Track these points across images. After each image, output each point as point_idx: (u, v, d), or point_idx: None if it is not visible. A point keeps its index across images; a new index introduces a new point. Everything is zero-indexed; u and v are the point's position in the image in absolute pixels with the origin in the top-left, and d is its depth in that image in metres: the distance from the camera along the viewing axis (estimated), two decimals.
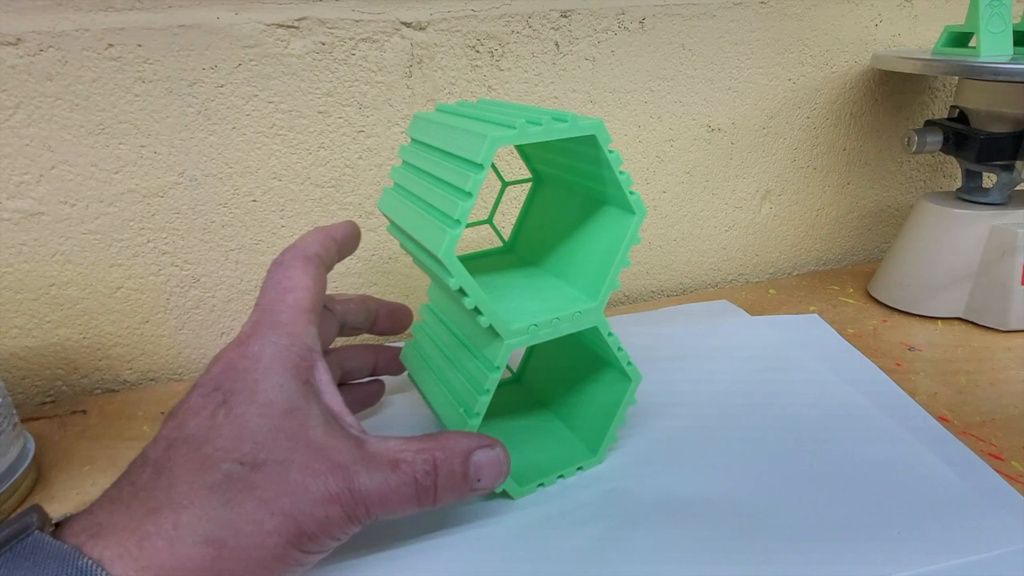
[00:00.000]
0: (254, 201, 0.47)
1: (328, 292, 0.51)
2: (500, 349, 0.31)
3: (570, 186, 0.37)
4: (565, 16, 0.48)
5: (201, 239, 0.47)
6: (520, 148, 0.40)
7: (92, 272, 0.46)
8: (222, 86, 0.44)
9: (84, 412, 0.45)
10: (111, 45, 0.41)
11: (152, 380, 0.50)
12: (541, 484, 0.36)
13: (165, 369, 0.50)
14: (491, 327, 0.31)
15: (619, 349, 0.35)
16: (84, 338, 0.47)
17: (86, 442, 0.42)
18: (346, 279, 0.51)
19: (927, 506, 0.33)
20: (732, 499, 0.34)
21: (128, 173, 0.44)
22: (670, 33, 0.51)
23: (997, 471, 0.35)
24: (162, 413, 0.45)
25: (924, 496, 0.34)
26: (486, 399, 0.32)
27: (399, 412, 0.43)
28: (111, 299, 0.47)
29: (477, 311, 0.30)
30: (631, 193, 0.32)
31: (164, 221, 0.46)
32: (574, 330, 0.33)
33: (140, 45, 0.41)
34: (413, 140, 0.35)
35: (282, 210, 0.48)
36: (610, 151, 0.31)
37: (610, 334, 0.35)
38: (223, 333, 0.50)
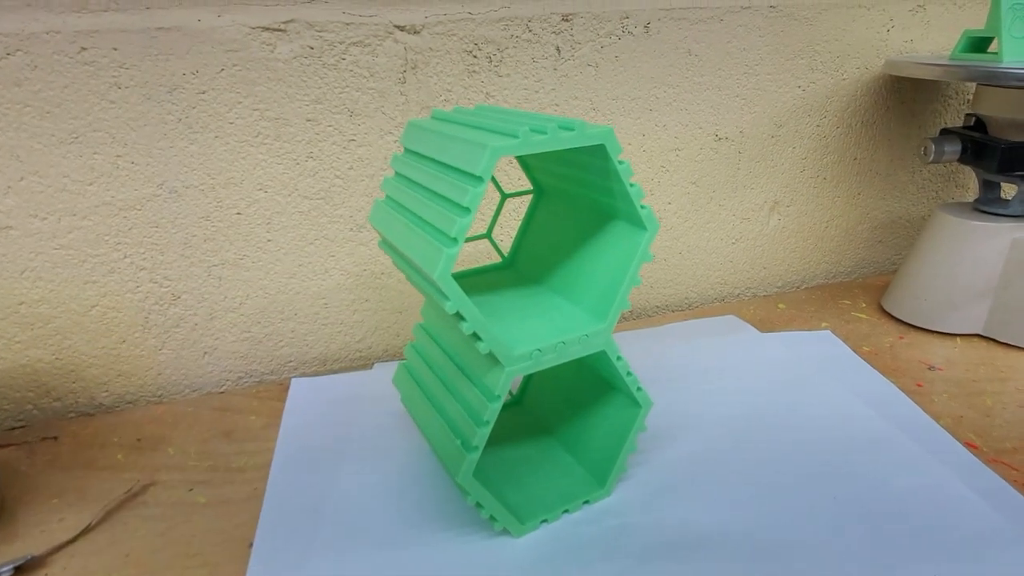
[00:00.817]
0: (238, 214, 0.45)
1: (318, 311, 0.49)
2: (501, 377, 0.29)
3: (575, 199, 0.35)
4: (567, 20, 0.46)
5: (181, 254, 0.44)
6: (521, 158, 0.37)
7: (64, 289, 0.43)
8: (204, 92, 0.41)
9: (55, 439, 0.43)
10: (84, 48, 0.38)
11: (130, 403, 0.47)
12: (545, 520, 0.33)
13: (144, 391, 0.47)
14: (491, 353, 0.28)
15: (628, 374, 0.33)
16: (56, 359, 0.44)
17: (56, 472, 0.39)
18: (336, 295, 0.49)
19: (962, 542, 0.31)
20: (752, 535, 0.32)
21: (103, 184, 0.41)
22: (676, 38, 0.49)
23: None
24: (139, 440, 0.42)
25: (958, 531, 0.31)
26: (485, 431, 0.29)
27: (394, 445, 0.41)
28: (85, 318, 0.44)
29: (476, 336, 0.28)
30: (642, 207, 0.30)
31: (142, 235, 0.43)
32: (581, 355, 0.31)
33: (115, 49, 0.39)
34: (407, 150, 0.33)
35: (268, 223, 0.45)
36: (620, 162, 0.28)
37: (619, 358, 0.32)
38: (206, 352, 0.47)
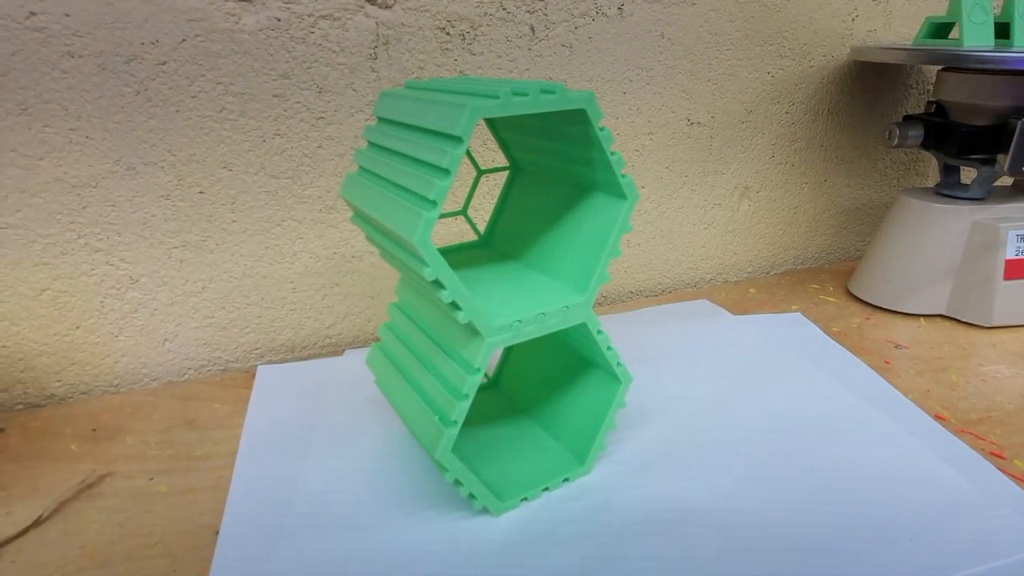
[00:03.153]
0: (201, 193, 0.43)
1: (286, 296, 0.47)
2: (480, 349, 0.28)
3: (552, 173, 0.34)
4: None
5: (140, 235, 0.42)
6: (497, 133, 0.37)
7: (12, 272, 0.40)
8: (163, 64, 0.39)
9: (2, 430, 0.40)
10: (33, 14, 0.36)
11: (84, 393, 0.45)
12: (524, 499, 0.33)
13: (99, 380, 0.45)
14: (470, 324, 0.28)
15: (608, 348, 0.32)
16: (3, 347, 0.42)
17: (3, 464, 0.37)
18: (305, 279, 0.47)
19: (936, 510, 0.31)
20: (731, 509, 0.31)
21: (55, 160, 0.39)
22: (649, 21, 0.49)
23: (1001, 470, 0.34)
24: (94, 430, 0.40)
25: (932, 500, 0.32)
26: (464, 405, 0.28)
27: (366, 431, 0.39)
28: (35, 302, 0.42)
29: (455, 306, 0.27)
30: (623, 176, 0.29)
31: (97, 214, 0.41)
32: (562, 327, 0.30)
33: (68, 15, 0.37)
34: (380, 119, 0.32)
35: (233, 203, 0.44)
36: (600, 129, 0.28)
37: (599, 331, 0.32)
38: (166, 339, 0.45)
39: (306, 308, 0.48)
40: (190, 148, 0.41)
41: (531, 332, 0.29)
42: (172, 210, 0.42)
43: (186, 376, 0.47)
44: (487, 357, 0.28)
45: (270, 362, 0.48)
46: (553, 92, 0.26)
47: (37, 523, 0.32)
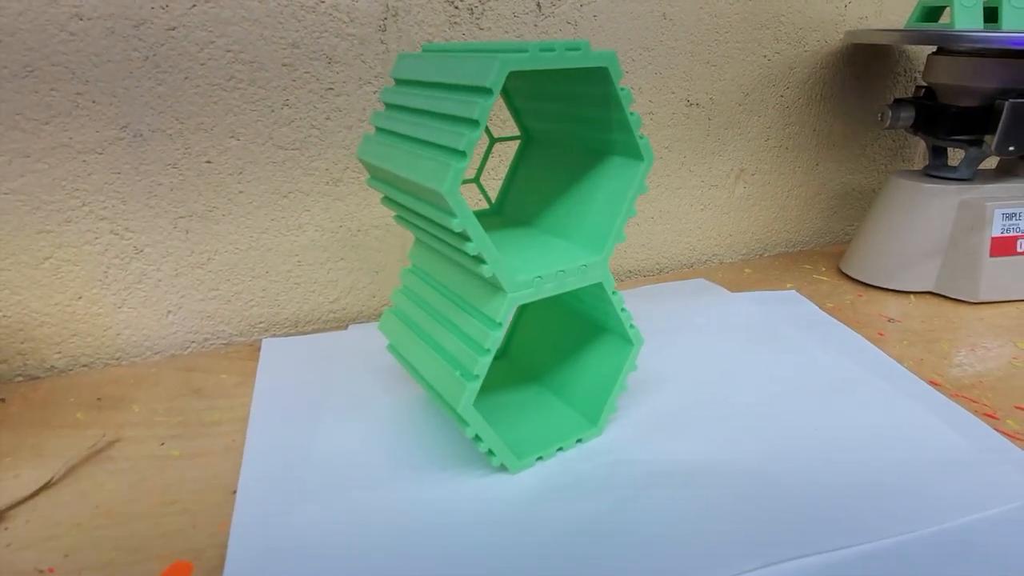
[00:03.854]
0: (208, 162, 0.43)
1: (291, 269, 0.47)
2: (503, 303, 0.28)
3: (565, 141, 0.35)
4: None
5: (146, 204, 0.42)
6: (511, 102, 0.37)
7: (14, 239, 0.40)
8: (173, 29, 0.39)
9: (2, 400, 0.39)
10: None
11: (85, 365, 0.44)
12: (540, 458, 0.33)
13: (101, 353, 0.44)
14: (494, 278, 0.28)
15: (623, 309, 0.33)
16: (3, 316, 0.41)
17: (5, 432, 0.36)
18: (310, 253, 0.47)
19: (937, 464, 0.32)
20: (742, 465, 0.32)
21: (60, 124, 0.39)
22: (652, 1, 0.50)
23: (995, 429, 0.35)
24: (99, 399, 0.39)
25: (932, 455, 0.33)
26: (487, 359, 0.29)
27: (377, 398, 0.40)
28: (37, 271, 0.41)
29: (479, 260, 0.27)
30: (640, 137, 0.30)
31: (102, 182, 0.41)
32: (580, 284, 0.31)
33: None
34: (399, 81, 0.32)
35: (240, 173, 0.43)
36: (621, 88, 0.28)
37: (615, 292, 0.32)
38: (169, 311, 0.45)
39: (311, 282, 0.48)
40: (198, 116, 0.41)
41: (551, 289, 0.30)
42: (179, 179, 0.42)
43: (189, 349, 0.46)
44: (510, 311, 0.29)
45: (273, 335, 0.48)
46: (578, 49, 0.27)
47: (48, 485, 0.32)
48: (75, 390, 0.41)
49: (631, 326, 0.34)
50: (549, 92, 0.33)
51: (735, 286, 0.55)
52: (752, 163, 0.59)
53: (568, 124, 0.34)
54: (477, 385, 0.29)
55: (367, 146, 0.32)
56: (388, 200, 0.33)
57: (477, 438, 0.30)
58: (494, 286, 0.29)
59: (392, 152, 0.30)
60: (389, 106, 0.32)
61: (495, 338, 0.29)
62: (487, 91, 0.25)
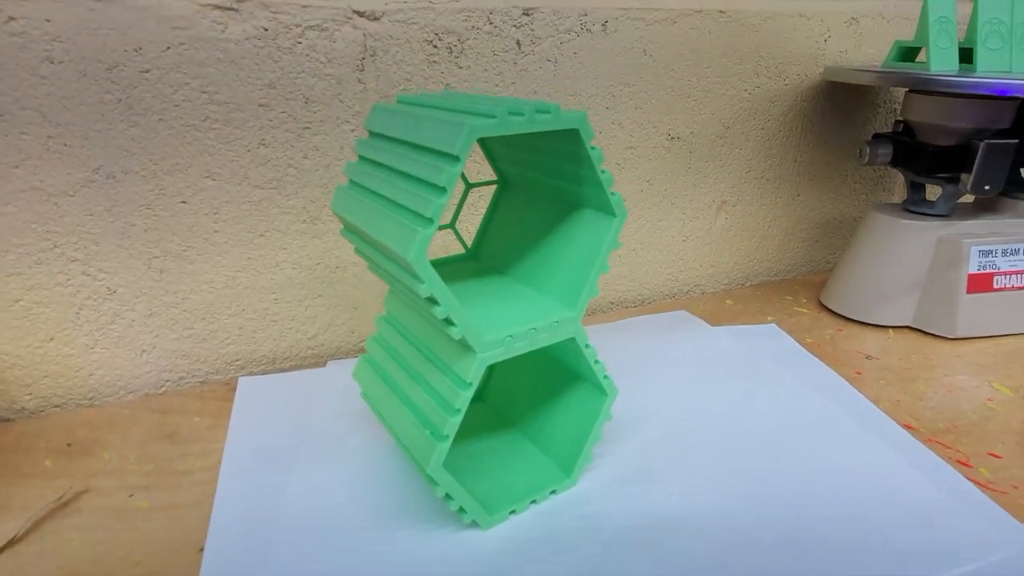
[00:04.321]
0: (183, 203, 0.42)
1: (268, 307, 0.46)
2: (473, 364, 0.28)
3: (540, 188, 0.35)
4: (527, 14, 0.46)
5: (119, 244, 0.42)
6: (486, 147, 0.37)
7: None
8: (147, 71, 0.39)
9: None
10: (12, 18, 0.35)
11: (56, 406, 0.43)
12: (513, 511, 0.33)
13: (73, 393, 0.44)
14: (463, 339, 0.28)
15: (596, 362, 0.33)
16: None
17: None
18: (288, 290, 0.47)
19: (908, 516, 0.32)
20: (715, 518, 0.32)
21: (31, 168, 0.38)
22: (632, 38, 0.50)
23: (968, 478, 0.35)
24: (69, 445, 0.39)
25: (904, 506, 0.33)
26: (457, 419, 0.29)
27: (352, 443, 0.39)
28: (7, 313, 0.40)
29: (448, 322, 0.27)
30: (612, 194, 0.30)
31: (75, 224, 0.40)
32: (552, 342, 0.31)
33: (48, 20, 0.36)
34: (372, 133, 0.32)
35: (216, 212, 0.43)
36: (592, 148, 0.28)
37: (587, 345, 0.32)
38: (143, 351, 0.44)
39: (288, 319, 0.48)
40: (173, 157, 0.41)
41: (522, 347, 0.30)
42: (153, 220, 0.42)
43: (164, 388, 0.46)
44: (480, 372, 0.28)
45: (250, 373, 0.48)
46: (548, 112, 0.27)
47: (12, 543, 0.31)
48: (46, 433, 0.40)
49: (605, 377, 0.34)
50: (524, 143, 0.33)
51: (716, 318, 0.55)
52: (734, 194, 0.60)
53: (543, 174, 0.34)
54: (447, 445, 0.29)
55: (340, 198, 0.32)
56: (361, 252, 0.33)
57: (448, 496, 0.30)
58: (464, 345, 0.29)
59: (363, 209, 0.29)
60: (362, 158, 0.32)
61: (465, 398, 0.28)
62: (454, 158, 0.25)
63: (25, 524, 0.32)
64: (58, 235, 0.40)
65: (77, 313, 0.42)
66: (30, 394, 0.43)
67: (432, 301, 0.26)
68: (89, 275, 0.41)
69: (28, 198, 0.39)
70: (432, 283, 0.26)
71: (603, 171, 0.29)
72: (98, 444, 0.39)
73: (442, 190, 0.25)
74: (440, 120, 0.26)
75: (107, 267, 0.42)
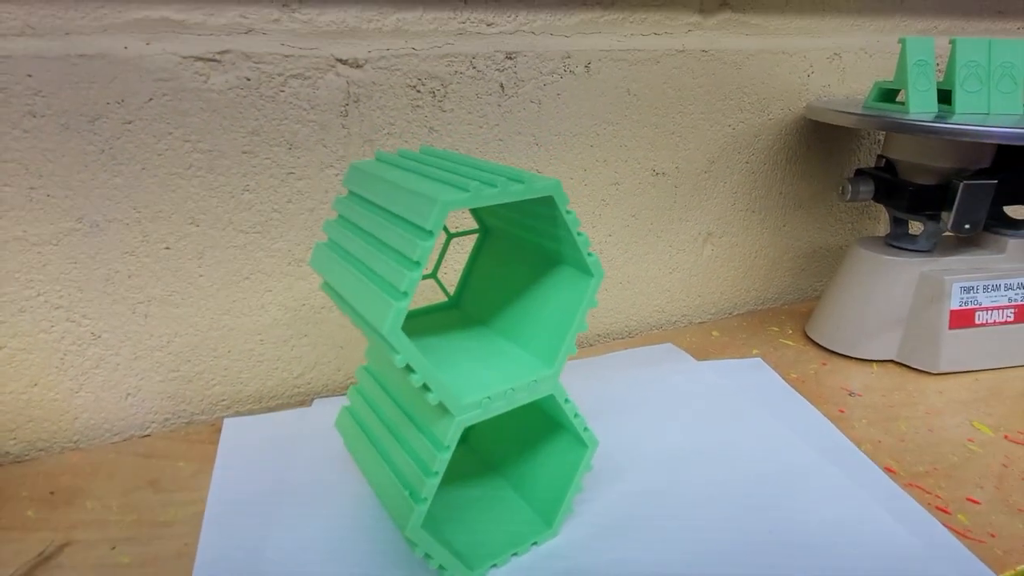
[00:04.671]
0: (167, 248, 0.42)
1: (254, 348, 0.46)
2: (451, 427, 0.28)
3: (521, 241, 0.35)
4: (510, 58, 0.47)
5: (103, 291, 0.42)
6: None
7: None
8: (130, 122, 0.39)
9: None
10: None
11: (42, 451, 0.43)
12: (494, 564, 0.33)
13: (58, 438, 0.44)
14: (440, 405, 0.28)
15: (576, 416, 0.33)
16: None
17: None
18: (273, 331, 0.47)
19: (887, 568, 0.33)
20: (694, 571, 0.32)
21: (14, 219, 0.38)
22: (616, 78, 0.50)
23: (946, 526, 0.36)
24: (52, 493, 0.39)
25: (883, 557, 0.33)
26: (434, 482, 0.29)
27: (335, 490, 0.39)
28: None
29: (425, 387, 0.27)
30: (589, 255, 0.30)
31: (58, 272, 0.40)
32: (530, 400, 0.31)
33: (30, 75, 0.36)
34: (351, 193, 0.32)
35: (200, 257, 0.43)
36: (568, 211, 0.29)
37: (567, 400, 0.33)
38: (128, 394, 0.44)
39: (274, 359, 0.48)
40: (156, 205, 0.41)
41: (500, 408, 0.30)
42: (137, 266, 0.42)
43: (149, 430, 0.46)
44: (457, 435, 0.29)
45: (237, 413, 0.48)
46: (521, 182, 0.27)
47: None
48: (29, 481, 0.40)
49: (585, 430, 0.34)
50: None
51: (702, 351, 0.56)
52: (719, 226, 0.60)
53: (522, 230, 0.34)
54: (425, 507, 0.29)
55: (319, 256, 0.32)
56: (339, 307, 0.33)
57: (427, 556, 0.30)
58: (441, 408, 0.29)
59: (341, 272, 0.30)
60: (341, 217, 0.32)
61: (443, 460, 0.29)
62: (428, 232, 0.25)
63: None
64: (41, 283, 0.40)
65: (61, 359, 0.42)
66: (14, 439, 0.43)
67: (408, 369, 0.27)
68: (73, 321, 0.42)
69: (11, 248, 0.39)
70: (408, 353, 0.26)
71: (579, 234, 0.29)
72: (81, 493, 0.39)
73: (416, 264, 0.25)
74: (414, 192, 0.26)
75: (91, 313, 0.42)
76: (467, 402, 0.29)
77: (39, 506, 0.38)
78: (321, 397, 0.49)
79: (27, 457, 0.43)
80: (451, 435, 0.28)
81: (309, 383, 0.50)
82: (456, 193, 0.25)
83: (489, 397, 0.29)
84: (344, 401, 0.47)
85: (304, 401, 0.49)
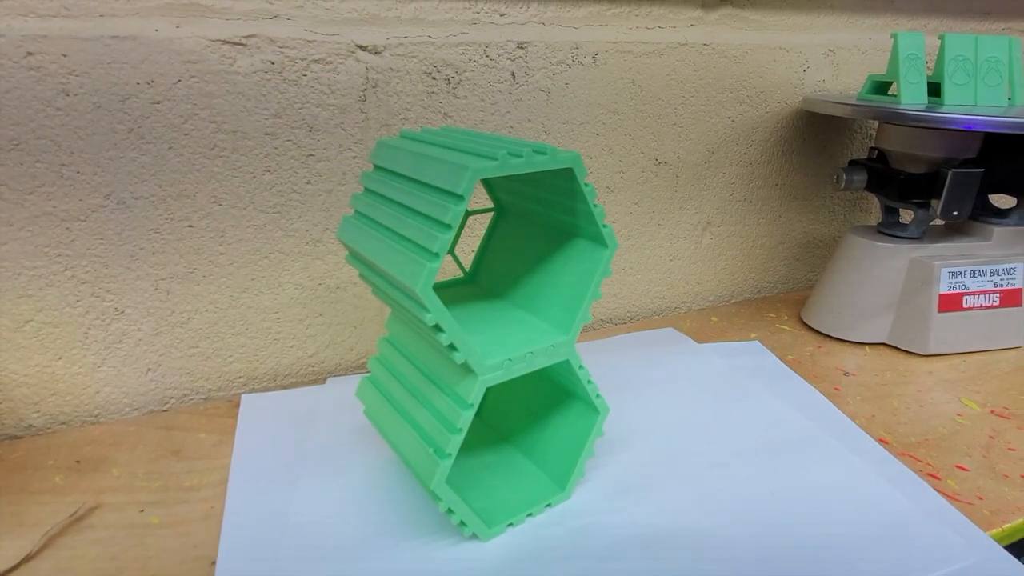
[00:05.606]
0: (190, 227, 0.44)
1: (271, 326, 0.48)
2: (474, 386, 0.30)
3: (536, 217, 0.37)
4: (522, 47, 0.48)
5: (127, 267, 0.43)
6: (485, 179, 0.39)
7: None
8: (158, 103, 0.40)
9: None
10: (30, 53, 0.37)
11: (64, 424, 0.45)
12: (510, 524, 0.35)
13: (80, 411, 0.45)
14: (465, 363, 0.30)
15: (589, 382, 0.35)
16: None
17: None
18: (290, 309, 0.48)
19: (882, 527, 0.35)
20: (702, 530, 0.34)
21: (44, 194, 0.40)
22: (621, 69, 0.52)
23: (937, 490, 0.38)
24: (78, 462, 0.40)
25: (878, 518, 0.35)
26: (459, 438, 0.30)
27: (354, 458, 0.41)
28: (17, 334, 0.42)
29: (452, 347, 0.29)
30: (604, 227, 0.32)
31: (85, 247, 0.42)
32: (548, 364, 0.33)
33: (65, 55, 0.38)
34: (377, 167, 0.34)
35: (222, 236, 0.45)
36: (586, 184, 0.31)
37: (581, 367, 0.34)
38: (149, 369, 0.46)
39: (290, 337, 0.49)
40: (181, 183, 0.42)
41: (520, 369, 0.32)
42: (161, 243, 0.43)
43: (168, 406, 0.47)
44: (481, 393, 0.30)
45: (252, 390, 0.49)
46: (545, 153, 0.29)
47: (27, 559, 0.33)
48: (54, 451, 0.41)
49: (597, 396, 0.36)
50: (521, 177, 0.35)
51: (702, 335, 0.58)
52: (718, 216, 0.62)
53: (539, 205, 0.36)
54: (449, 463, 0.30)
55: (346, 228, 0.34)
56: (365, 278, 0.34)
57: (450, 511, 0.32)
58: (466, 368, 0.31)
59: (370, 239, 0.31)
60: (368, 190, 0.34)
61: (466, 418, 0.30)
62: (459, 197, 0.27)
63: (40, 540, 0.33)
64: (69, 258, 0.41)
65: (85, 333, 0.43)
66: (38, 412, 0.44)
67: (437, 328, 0.28)
68: (98, 296, 0.43)
69: (41, 223, 0.40)
70: (437, 312, 0.28)
71: (596, 205, 0.31)
72: (106, 461, 0.40)
73: (447, 227, 0.27)
74: (444, 161, 0.28)
75: (115, 288, 0.43)
76: (490, 363, 0.30)
77: (66, 474, 0.39)
78: (335, 376, 0.51)
79: (49, 430, 0.44)
80: (475, 394, 0.30)
81: (323, 362, 0.51)
82: (485, 162, 0.27)
83: (510, 359, 0.31)
84: (358, 379, 0.49)
85: (318, 379, 0.51)
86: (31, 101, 0.38)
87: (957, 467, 0.40)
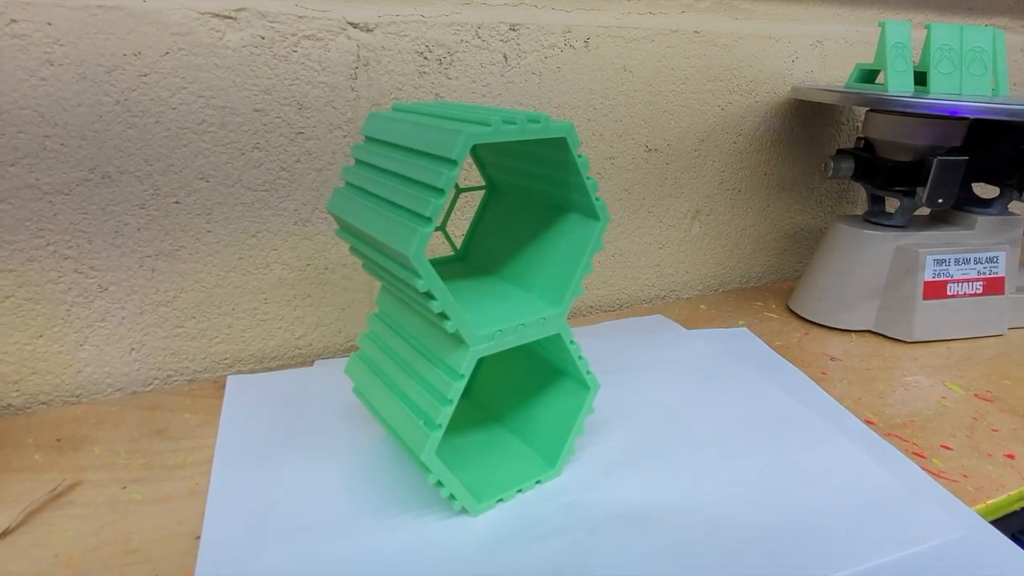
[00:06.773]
0: (176, 203, 0.43)
1: (258, 307, 0.47)
2: (466, 356, 0.30)
3: (527, 193, 0.37)
4: (514, 29, 0.48)
5: (111, 243, 0.42)
6: (476, 154, 0.39)
7: None
8: (145, 75, 0.40)
9: None
10: (14, 21, 0.36)
11: (44, 403, 0.44)
12: (500, 500, 0.34)
13: (61, 390, 0.44)
14: (456, 333, 0.29)
15: (580, 357, 0.35)
16: None
17: None
18: (278, 290, 0.48)
19: (868, 503, 0.35)
20: (691, 506, 0.34)
21: (26, 166, 0.39)
22: (613, 54, 0.53)
23: (923, 468, 0.38)
24: (58, 440, 0.39)
25: (865, 494, 0.35)
26: (449, 409, 0.30)
27: (341, 439, 0.40)
28: None
29: (443, 316, 0.29)
30: (596, 199, 0.32)
31: (68, 222, 0.41)
32: (539, 336, 0.32)
33: (50, 24, 0.37)
34: (368, 139, 0.33)
35: (209, 214, 0.44)
36: (578, 155, 0.30)
37: (572, 341, 0.34)
38: (132, 349, 0.45)
39: (277, 319, 0.49)
40: (168, 158, 0.42)
41: (511, 341, 0.31)
42: (146, 219, 0.43)
43: (152, 386, 0.46)
44: (472, 364, 0.30)
45: (239, 372, 0.48)
46: (538, 122, 0.29)
47: (5, 533, 0.32)
48: (33, 430, 0.40)
49: (588, 372, 0.35)
50: (512, 150, 0.35)
51: (690, 322, 0.58)
52: (707, 205, 0.62)
53: (530, 180, 0.36)
54: (439, 434, 0.30)
55: (337, 199, 0.33)
56: (356, 251, 0.34)
57: (439, 483, 0.31)
58: (457, 339, 0.30)
59: (361, 209, 0.31)
60: (359, 162, 0.33)
61: (457, 389, 0.30)
62: (452, 162, 0.27)
63: (19, 515, 0.33)
64: (51, 232, 0.41)
65: (68, 310, 0.42)
66: (17, 391, 0.43)
67: (429, 296, 0.28)
68: (81, 273, 0.42)
69: (23, 196, 0.39)
70: (429, 278, 0.27)
71: (588, 177, 0.31)
72: (88, 440, 0.39)
73: (440, 192, 0.27)
74: (438, 127, 0.28)
75: (99, 265, 0.42)
76: (481, 333, 0.30)
77: (46, 451, 0.38)
78: (322, 359, 0.50)
79: (28, 409, 0.43)
80: (466, 364, 0.30)
81: (310, 344, 0.50)
82: (480, 127, 0.27)
83: (501, 330, 0.31)
84: (345, 362, 0.48)
85: (305, 362, 0.50)
86: (14, 70, 0.37)
87: (942, 447, 0.41)
